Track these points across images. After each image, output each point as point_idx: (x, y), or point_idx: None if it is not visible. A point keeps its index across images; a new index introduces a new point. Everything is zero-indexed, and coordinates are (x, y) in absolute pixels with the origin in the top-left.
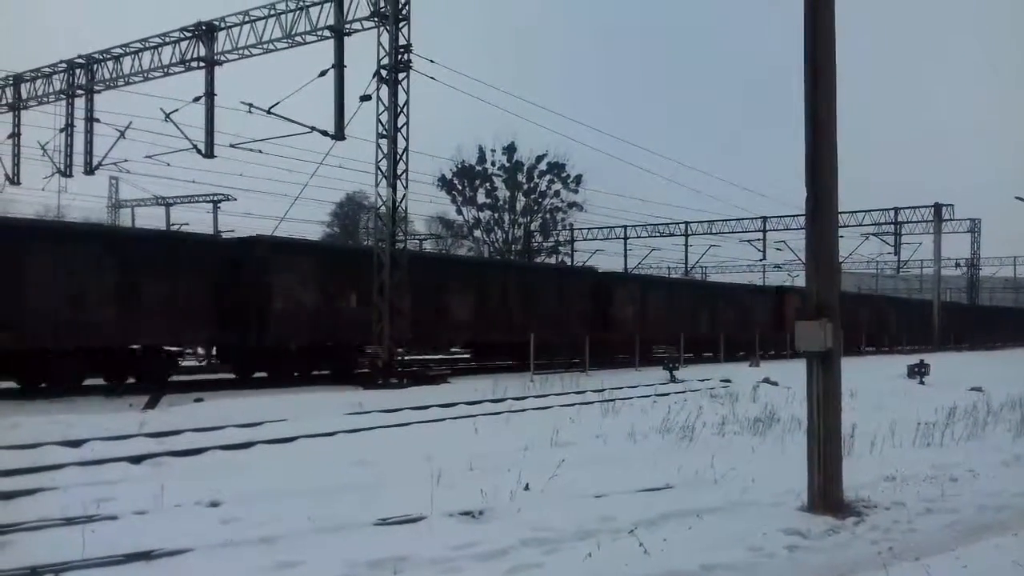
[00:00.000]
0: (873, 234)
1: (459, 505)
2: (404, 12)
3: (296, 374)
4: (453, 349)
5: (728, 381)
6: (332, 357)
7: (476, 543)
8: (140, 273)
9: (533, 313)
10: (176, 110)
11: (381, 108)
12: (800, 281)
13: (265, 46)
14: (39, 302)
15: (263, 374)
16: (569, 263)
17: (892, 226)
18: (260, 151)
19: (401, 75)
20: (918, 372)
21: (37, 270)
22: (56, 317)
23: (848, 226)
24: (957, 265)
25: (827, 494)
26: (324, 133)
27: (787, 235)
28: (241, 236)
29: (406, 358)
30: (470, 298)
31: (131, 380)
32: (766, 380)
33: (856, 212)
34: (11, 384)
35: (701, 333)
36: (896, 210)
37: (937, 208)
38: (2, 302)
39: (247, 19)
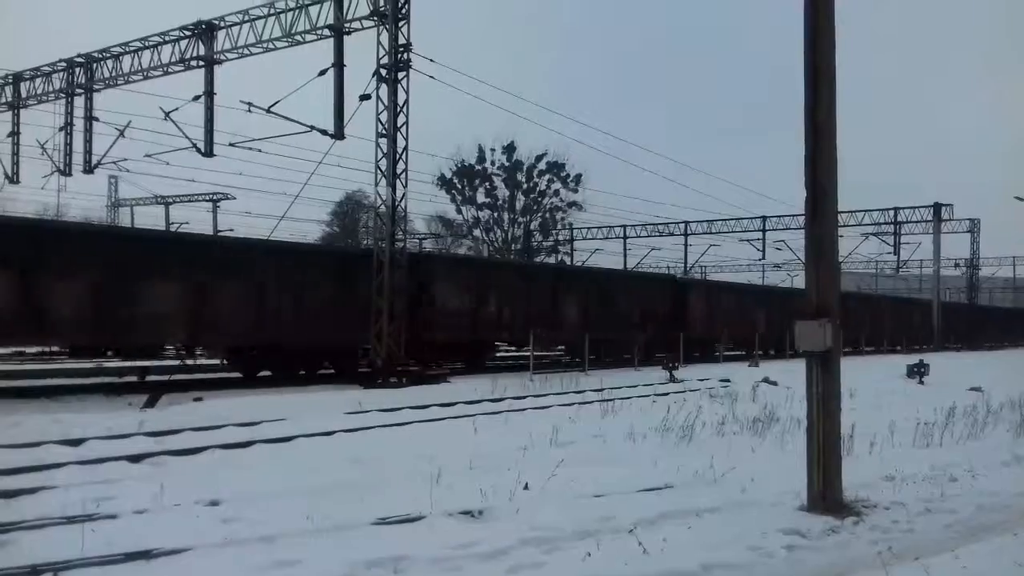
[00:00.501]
0: (873, 234)
1: (459, 504)
2: (404, 11)
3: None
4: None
5: (727, 381)
6: (472, 351)
7: (476, 543)
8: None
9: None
10: (176, 109)
11: (381, 107)
12: (799, 281)
13: (265, 45)
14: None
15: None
16: (568, 263)
17: (892, 226)
18: (259, 150)
19: (401, 74)
20: (917, 372)
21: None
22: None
23: (848, 226)
24: (956, 265)
25: (826, 494)
26: (324, 132)
27: (787, 235)
28: (414, 252)
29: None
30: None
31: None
32: (765, 380)
33: (856, 212)
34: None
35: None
36: (896, 210)
37: (936, 208)
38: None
39: (247, 18)
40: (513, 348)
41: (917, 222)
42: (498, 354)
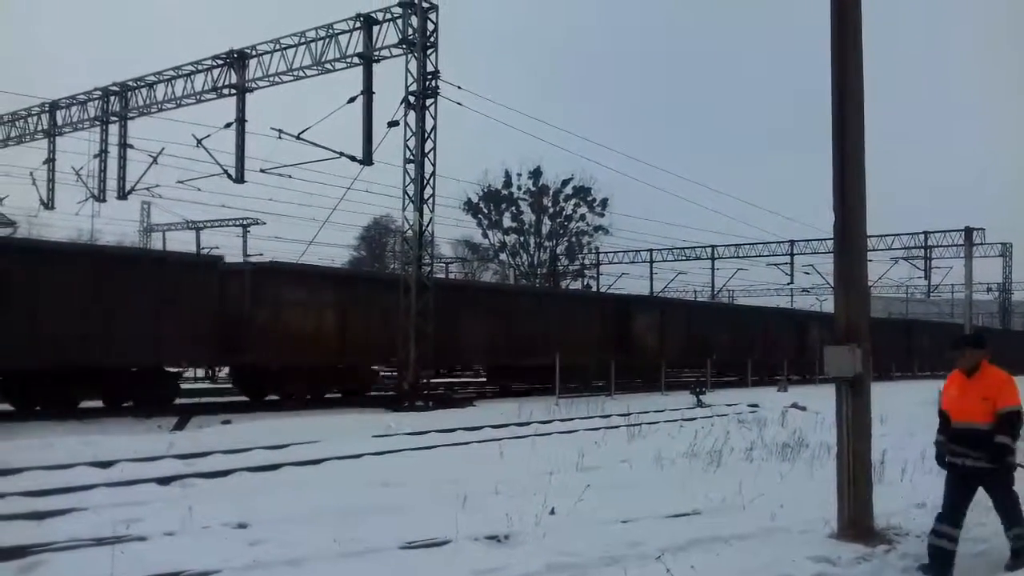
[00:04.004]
0: (903, 258)
1: (485, 529)
2: (432, 39)
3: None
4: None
5: (756, 406)
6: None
7: (502, 568)
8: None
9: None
10: (208, 136)
11: (408, 133)
12: (828, 305)
13: (295, 73)
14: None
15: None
16: (594, 287)
17: (922, 250)
18: (290, 176)
19: (428, 101)
20: None
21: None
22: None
23: (877, 250)
24: (989, 290)
25: (857, 521)
26: (352, 158)
27: (815, 259)
28: (618, 293)
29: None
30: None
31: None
32: (794, 405)
33: (885, 236)
34: None
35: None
36: (926, 234)
37: (968, 232)
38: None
39: (278, 47)
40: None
41: (948, 246)
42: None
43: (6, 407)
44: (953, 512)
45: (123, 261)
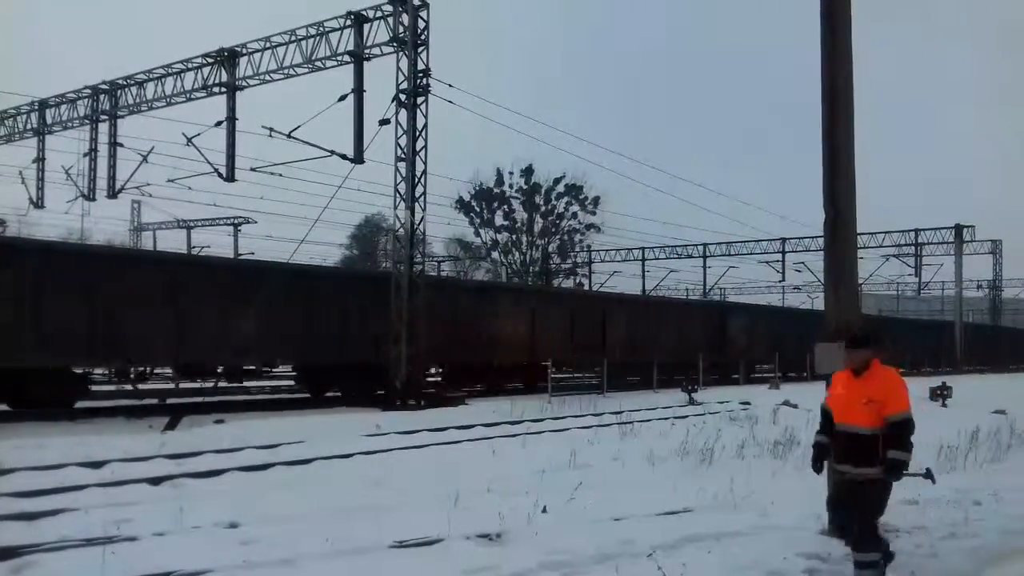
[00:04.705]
0: (893, 255)
1: (477, 528)
2: (423, 37)
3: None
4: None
5: (747, 404)
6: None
7: (494, 566)
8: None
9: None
10: (198, 134)
11: (400, 132)
12: (820, 303)
13: (286, 71)
14: None
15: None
16: (586, 286)
17: (912, 247)
18: (280, 175)
19: (419, 99)
20: (940, 394)
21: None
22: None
23: (868, 247)
24: (979, 287)
25: None
26: (343, 157)
27: (806, 256)
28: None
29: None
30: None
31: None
32: (786, 403)
33: (876, 233)
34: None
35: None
36: (916, 231)
37: (958, 229)
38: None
39: (268, 45)
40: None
41: (938, 243)
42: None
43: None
44: (843, 531)
45: None
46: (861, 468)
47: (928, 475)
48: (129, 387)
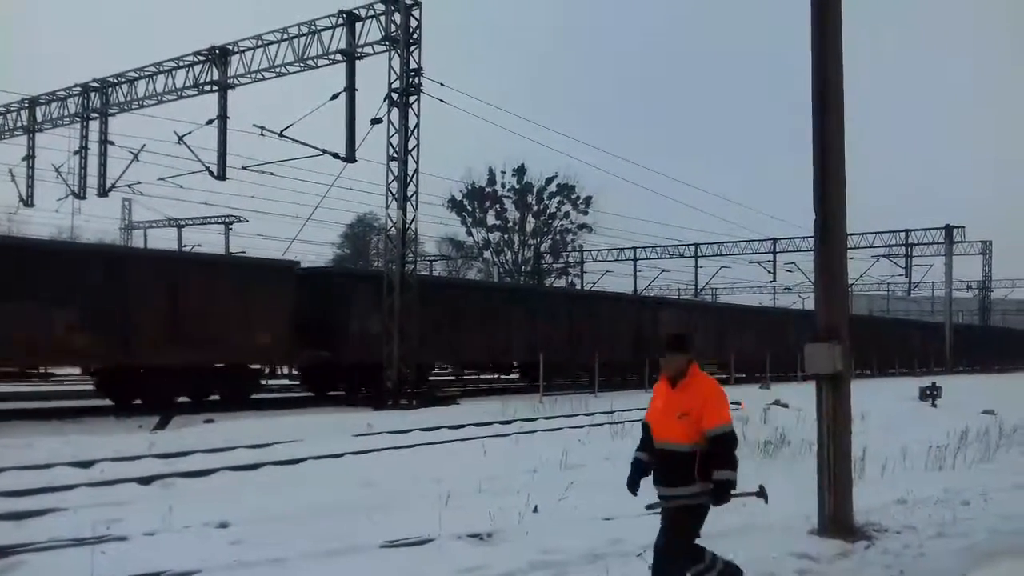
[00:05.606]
0: (884, 256)
1: (468, 527)
2: (415, 36)
3: None
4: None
5: (738, 403)
6: None
7: (485, 566)
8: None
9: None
10: (189, 133)
11: (392, 131)
12: (810, 303)
13: (277, 70)
14: None
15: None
16: (578, 285)
17: (903, 248)
18: (272, 173)
19: (411, 98)
20: (930, 394)
21: None
22: None
23: (858, 248)
24: (969, 287)
25: (838, 518)
26: (335, 155)
27: (797, 256)
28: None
29: None
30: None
31: None
32: (776, 402)
33: (866, 234)
34: None
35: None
36: (907, 232)
37: (948, 230)
38: None
39: (260, 43)
40: None
41: (929, 244)
42: None
43: None
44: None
45: None
46: (677, 488)
47: (761, 493)
48: None
